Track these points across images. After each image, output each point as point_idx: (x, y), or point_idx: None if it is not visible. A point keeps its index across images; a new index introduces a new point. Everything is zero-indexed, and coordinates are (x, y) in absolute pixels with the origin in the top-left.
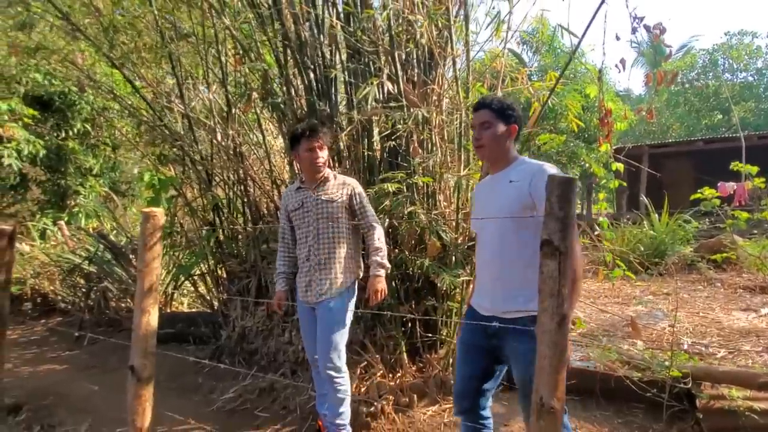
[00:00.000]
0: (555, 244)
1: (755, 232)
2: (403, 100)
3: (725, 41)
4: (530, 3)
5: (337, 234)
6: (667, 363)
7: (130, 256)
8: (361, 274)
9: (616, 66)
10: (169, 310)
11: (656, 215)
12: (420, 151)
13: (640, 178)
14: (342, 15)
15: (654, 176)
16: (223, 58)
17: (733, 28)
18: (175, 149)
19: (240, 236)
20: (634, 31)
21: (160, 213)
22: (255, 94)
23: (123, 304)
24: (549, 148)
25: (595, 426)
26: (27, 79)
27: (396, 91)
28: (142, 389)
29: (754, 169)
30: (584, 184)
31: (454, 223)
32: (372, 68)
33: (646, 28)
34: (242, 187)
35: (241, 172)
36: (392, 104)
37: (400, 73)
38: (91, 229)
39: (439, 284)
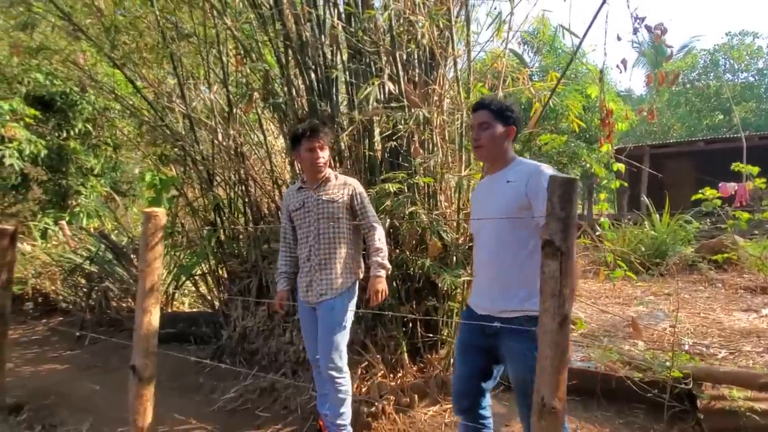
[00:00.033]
0: (556, 244)
1: (756, 232)
2: (404, 100)
3: (726, 41)
4: (531, 3)
5: (337, 234)
6: (668, 363)
7: (132, 256)
8: (362, 275)
9: (618, 66)
10: (170, 310)
11: (657, 216)
12: (421, 151)
13: (641, 178)
14: (343, 15)
15: (655, 176)
16: (224, 59)
17: (734, 29)
18: (176, 149)
19: (241, 236)
20: (635, 31)
21: (161, 213)
22: (256, 95)
23: (124, 304)
24: (550, 148)
25: (596, 426)
26: (28, 79)
27: (397, 91)
28: (143, 389)
29: (755, 170)
30: (585, 185)
31: (455, 224)
32: (373, 68)
33: (648, 28)
34: (243, 187)
35: (242, 172)
36: (393, 104)
37: (401, 73)
38: (92, 229)
39: (440, 284)
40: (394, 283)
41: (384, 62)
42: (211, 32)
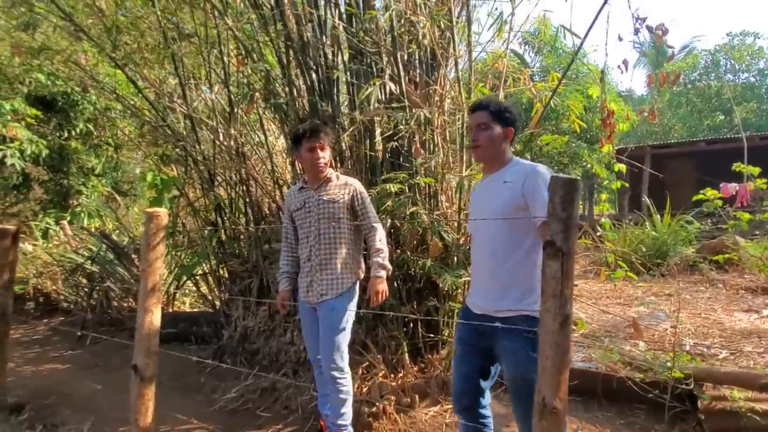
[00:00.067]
0: (558, 245)
1: (757, 233)
2: (405, 100)
3: (727, 42)
4: (532, 4)
5: (338, 234)
6: (669, 364)
7: (133, 256)
8: (363, 275)
9: (619, 67)
10: (171, 310)
11: (658, 216)
12: (422, 151)
13: (642, 178)
14: (344, 16)
15: (656, 177)
16: (225, 59)
17: (735, 29)
18: (177, 149)
19: (242, 236)
20: (636, 31)
21: (163, 213)
22: (257, 95)
23: (125, 304)
24: (551, 148)
25: (597, 427)
26: (30, 80)
27: (398, 91)
28: (145, 388)
29: (756, 170)
30: (586, 185)
31: (456, 224)
32: (374, 69)
33: (649, 28)
34: (244, 188)
35: (243, 172)
36: (394, 105)
37: (402, 73)
38: (93, 229)
39: (440, 285)
40: (395, 284)
41: (385, 63)
42: (212, 32)
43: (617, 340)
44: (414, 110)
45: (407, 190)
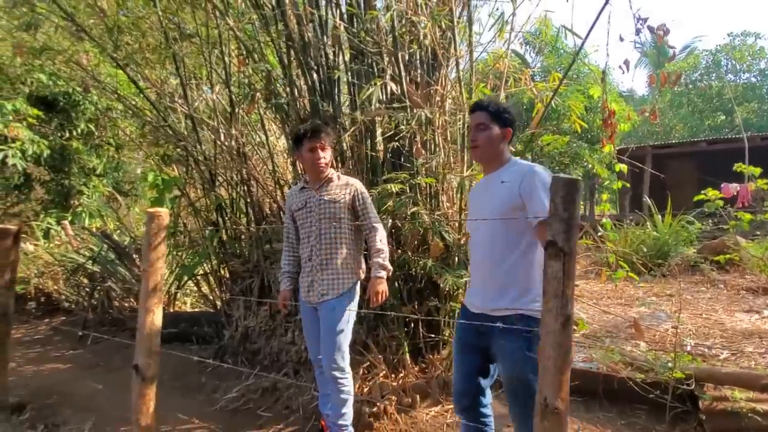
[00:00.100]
0: (559, 245)
1: (758, 233)
2: (407, 100)
3: (728, 42)
4: (534, 4)
5: (339, 234)
6: (670, 364)
7: (134, 256)
8: (363, 275)
9: (620, 67)
10: (172, 310)
11: (659, 216)
12: (423, 151)
13: (644, 179)
14: (345, 16)
15: (657, 177)
16: (226, 59)
17: (737, 29)
18: (178, 149)
19: (243, 236)
20: (637, 32)
21: (164, 213)
22: (258, 95)
23: (126, 304)
24: (552, 149)
25: (598, 427)
26: (32, 80)
27: (399, 91)
28: (146, 388)
29: (757, 171)
30: (587, 185)
31: (456, 224)
32: (375, 69)
33: (650, 29)
34: (245, 188)
35: (244, 172)
36: (395, 105)
37: (403, 73)
38: (94, 229)
39: (441, 285)
40: (396, 284)
41: (386, 63)
42: (213, 33)
43: (618, 341)
44: (415, 110)
45: (408, 191)
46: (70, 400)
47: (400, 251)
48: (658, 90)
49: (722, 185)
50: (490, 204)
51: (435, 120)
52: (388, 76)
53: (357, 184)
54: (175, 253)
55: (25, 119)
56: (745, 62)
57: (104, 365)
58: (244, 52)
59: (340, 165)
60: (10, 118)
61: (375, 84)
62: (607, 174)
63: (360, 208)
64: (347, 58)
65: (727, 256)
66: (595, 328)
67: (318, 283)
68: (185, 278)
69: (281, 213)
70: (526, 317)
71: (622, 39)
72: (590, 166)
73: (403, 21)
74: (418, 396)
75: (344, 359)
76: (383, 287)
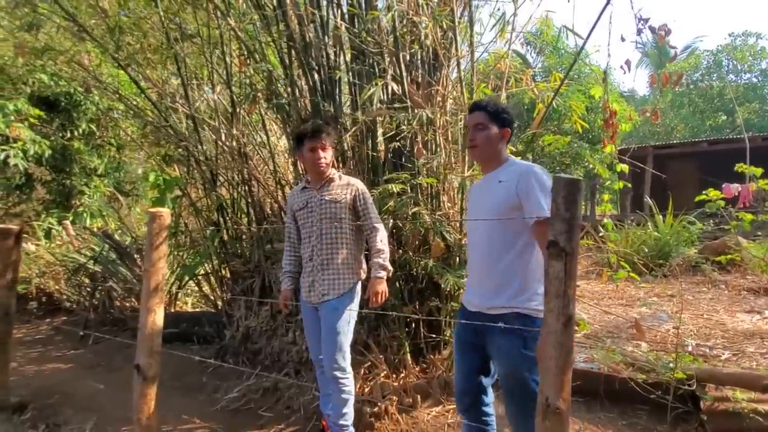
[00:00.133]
0: (561, 245)
1: (759, 233)
2: (408, 101)
3: (729, 42)
4: (535, 4)
5: (340, 235)
6: (671, 365)
7: (135, 256)
8: (364, 275)
9: (621, 67)
10: (173, 310)
11: (660, 217)
12: (424, 151)
13: (645, 179)
14: (347, 16)
15: (658, 177)
16: (227, 59)
17: (738, 29)
18: (179, 150)
19: (244, 236)
20: (639, 32)
21: (166, 213)
22: (259, 95)
23: (127, 304)
24: (553, 149)
25: (599, 428)
26: (33, 80)
27: (400, 92)
28: (147, 388)
29: (759, 171)
30: (588, 186)
31: (457, 224)
32: (376, 69)
33: (651, 29)
34: (246, 188)
35: (245, 172)
36: (396, 105)
37: (404, 74)
38: (95, 229)
39: (442, 285)
40: (397, 284)
41: (387, 63)
42: (214, 33)
43: (619, 341)
44: (416, 111)
45: (409, 191)
46: (71, 399)
47: (401, 251)
48: (659, 90)
49: (723, 185)
50: (487, 203)
51: (436, 120)
52: (389, 77)
53: (358, 184)
54: (176, 253)
55: (26, 119)
56: (746, 62)
57: (105, 365)
58: (246, 53)
59: (341, 165)
60: (12, 118)
61: (376, 84)
62: (608, 174)
63: (361, 208)
64: (348, 58)
65: (729, 256)
66: (596, 328)
67: (319, 283)
68: (186, 278)
69: (282, 213)
70: (522, 315)
71: (623, 39)
72: (591, 166)
73: (405, 21)
74: (419, 396)
75: (345, 359)
76: (383, 287)
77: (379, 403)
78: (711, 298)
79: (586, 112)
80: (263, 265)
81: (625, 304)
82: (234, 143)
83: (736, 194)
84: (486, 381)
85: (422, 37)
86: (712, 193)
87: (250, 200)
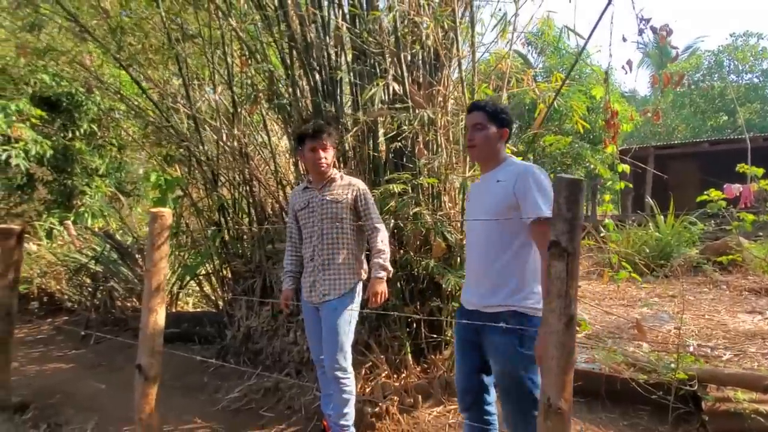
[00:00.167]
0: (563, 245)
1: (761, 234)
2: (409, 101)
3: (731, 42)
4: (536, 4)
5: (341, 235)
6: (672, 365)
7: (136, 256)
8: (365, 276)
9: (623, 67)
10: (174, 310)
11: (662, 217)
12: (425, 152)
13: (646, 179)
14: (348, 16)
15: (659, 178)
16: (229, 60)
17: (739, 30)
18: (181, 150)
19: (245, 236)
20: (640, 32)
21: (168, 213)
22: (261, 95)
23: (129, 304)
24: (554, 149)
25: (601, 428)
26: (35, 80)
27: (401, 92)
28: (149, 388)
29: (760, 171)
30: (589, 186)
31: (459, 224)
32: (378, 69)
33: (653, 29)
34: (248, 188)
35: (246, 172)
36: (398, 105)
37: (405, 74)
38: (97, 229)
39: (444, 285)
40: (398, 284)
41: (388, 63)
42: (216, 33)
43: (621, 342)
44: (417, 111)
45: (410, 191)
46: (72, 399)
47: (402, 251)
48: (660, 90)
49: (725, 186)
50: (485, 203)
51: (437, 120)
52: (390, 77)
53: (360, 185)
54: (177, 253)
55: (28, 120)
56: (747, 63)
57: (107, 365)
58: (247, 53)
59: (342, 165)
60: (14, 118)
61: (377, 84)
62: (610, 174)
63: (362, 209)
64: (350, 58)
65: (730, 257)
66: (597, 329)
67: (320, 283)
68: (188, 278)
69: (283, 213)
70: (518, 314)
71: (624, 39)
72: (592, 166)
73: (406, 21)
74: (420, 396)
75: (346, 359)
76: (382, 288)
77: (380, 403)
78: (712, 298)
79: (587, 113)
80: (264, 265)
81: (626, 305)
82: (235, 143)
83: (738, 195)
84: (488, 380)
85: (423, 38)
86: (714, 194)
87: (251, 200)
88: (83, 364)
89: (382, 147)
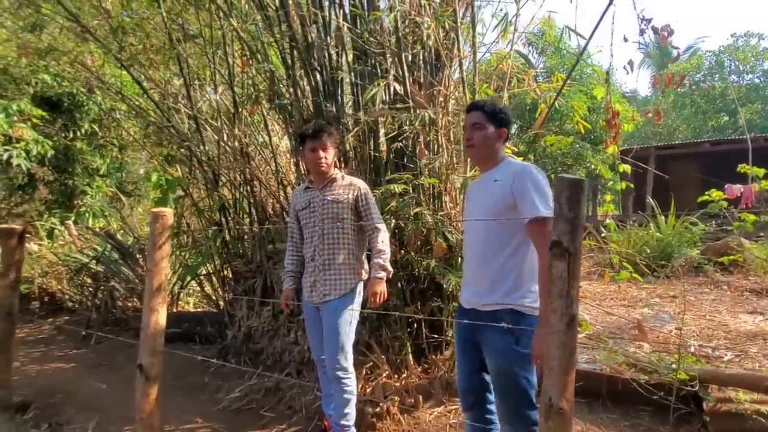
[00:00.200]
0: (564, 245)
1: (762, 234)
2: (410, 101)
3: (731, 43)
4: (537, 5)
5: (342, 235)
6: (673, 366)
7: (137, 256)
8: (366, 276)
9: (624, 68)
10: (175, 310)
11: (663, 217)
12: (426, 152)
13: (647, 179)
14: (349, 16)
15: (660, 178)
16: (230, 60)
17: (740, 30)
18: (182, 150)
19: (246, 236)
20: (641, 32)
21: (169, 213)
22: (262, 96)
23: (130, 304)
24: (555, 149)
25: (602, 429)
26: (36, 80)
27: (402, 92)
28: (150, 387)
29: (761, 171)
30: (590, 186)
31: (459, 224)
32: (379, 69)
33: (654, 29)
34: (248, 188)
35: (247, 172)
36: (399, 105)
37: (406, 74)
38: (98, 229)
39: (444, 285)
40: (399, 284)
41: (389, 63)
42: (217, 33)
43: (622, 342)
44: (418, 111)
45: (411, 191)
46: (73, 399)
47: (403, 251)
48: (661, 91)
49: (726, 186)
50: (484, 203)
51: (438, 120)
52: (391, 77)
53: (361, 185)
54: (178, 253)
55: (29, 120)
56: (748, 63)
57: (108, 365)
58: (248, 53)
59: (343, 165)
60: (15, 118)
61: (378, 84)
62: (611, 175)
63: (363, 209)
64: (350, 58)
65: (731, 257)
66: (598, 329)
67: (320, 283)
68: (189, 278)
69: (284, 213)
70: (515, 312)
71: (626, 40)
72: (593, 166)
73: (407, 21)
74: (421, 396)
75: (347, 359)
76: (382, 288)
77: (381, 404)
78: (713, 299)
79: (588, 113)
80: (265, 265)
81: (627, 305)
82: (236, 143)
83: (739, 195)
84: (489, 379)
85: (424, 38)
86: (715, 194)
87: (252, 200)
88: (84, 363)
89: (383, 147)
